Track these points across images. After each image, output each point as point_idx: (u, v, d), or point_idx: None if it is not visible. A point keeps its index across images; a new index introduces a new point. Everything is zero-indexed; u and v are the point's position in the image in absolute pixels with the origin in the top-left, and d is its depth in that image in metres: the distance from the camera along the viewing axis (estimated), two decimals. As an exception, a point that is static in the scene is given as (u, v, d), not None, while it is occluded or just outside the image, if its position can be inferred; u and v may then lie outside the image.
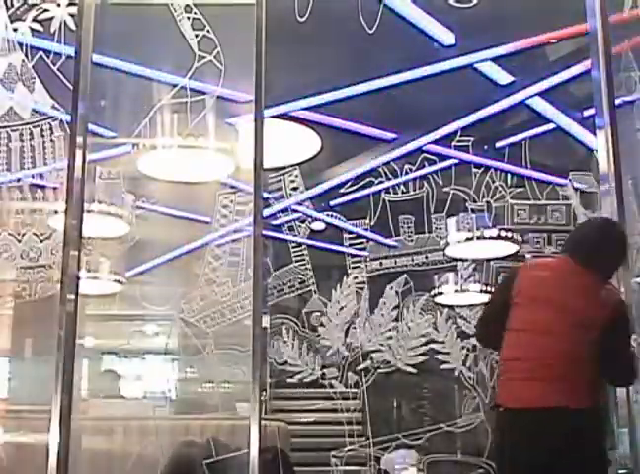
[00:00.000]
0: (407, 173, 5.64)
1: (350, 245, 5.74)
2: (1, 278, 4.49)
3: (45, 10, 4.08)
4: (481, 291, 5.54)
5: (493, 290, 3.58)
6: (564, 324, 3.11)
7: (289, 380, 5.71)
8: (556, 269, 3.32)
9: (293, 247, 5.68)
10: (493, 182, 5.45)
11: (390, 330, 5.40)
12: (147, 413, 4.77)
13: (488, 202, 5.47)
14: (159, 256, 5.10)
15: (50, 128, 4.11)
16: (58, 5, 4.06)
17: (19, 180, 4.18)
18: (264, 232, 3.88)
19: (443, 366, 5.35)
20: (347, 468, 5.28)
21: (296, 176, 5.68)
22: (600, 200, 3.85)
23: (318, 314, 5.52)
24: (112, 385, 6.28)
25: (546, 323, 3.15)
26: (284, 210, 5.73)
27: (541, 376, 3.08)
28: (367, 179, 5.74)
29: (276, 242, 5.76)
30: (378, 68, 5.20)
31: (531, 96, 5.50)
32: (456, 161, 5.70)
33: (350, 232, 5.79)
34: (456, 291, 5.71)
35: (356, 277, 5.55)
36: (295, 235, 5.68)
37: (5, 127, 4.09)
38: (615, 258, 3.33)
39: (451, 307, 5.52)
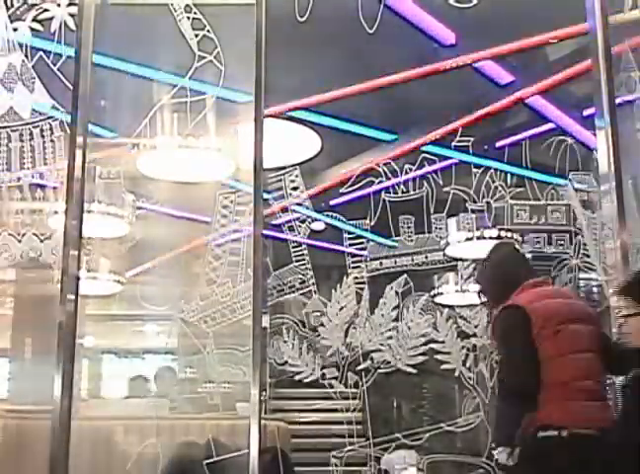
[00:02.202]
0: (407, 173, 5.63)
1: (350, 245, 5.73)
2: (1, 278, 4.49)
3: (45, 10, 4.07)
4: (481, 291, 5.54)
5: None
6: (589, 335, 3.20)
7: (289, 380, 5.71)
8: (550, 293, 3.37)
9: (293, 247, 5.67)
10: (493, 182, 5.44)
11: (390, 330, 5.39)
12: (147, 413, 4.77)
13: (488, 202, 5.46)
14: (159, 256, 5.09)
15: (50, 128, 4.10)
16: (58, 5, 4.06)
17: (19, 180, 4.18)
18: (264, 232, 3.88)
19: (443, 366, 5.34)
20: (347, 468, 5.27)
21: (296, 176, 5.66)
22: (600, 200, 3.85)
23: (318, 314, 5.51)
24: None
25: (581, 341, 3.17)
26: (284, 210, 5.72)
27: (594, 396, 3.13)
28: (367, 179, 5.73)
29: (276, 242, 5.75)
30: (378, 68, 5.21)
31: (531, 96, 5.51)
32: (456, 161, 5.70)
33: (350, 232, 5.78)
34: (456, 291, 5.71)
35: (356, 277, 5.54)
36: (295, 235, 5.67)
37: (5, 127, 4.08)
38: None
39: (451, 307, 5.51)
